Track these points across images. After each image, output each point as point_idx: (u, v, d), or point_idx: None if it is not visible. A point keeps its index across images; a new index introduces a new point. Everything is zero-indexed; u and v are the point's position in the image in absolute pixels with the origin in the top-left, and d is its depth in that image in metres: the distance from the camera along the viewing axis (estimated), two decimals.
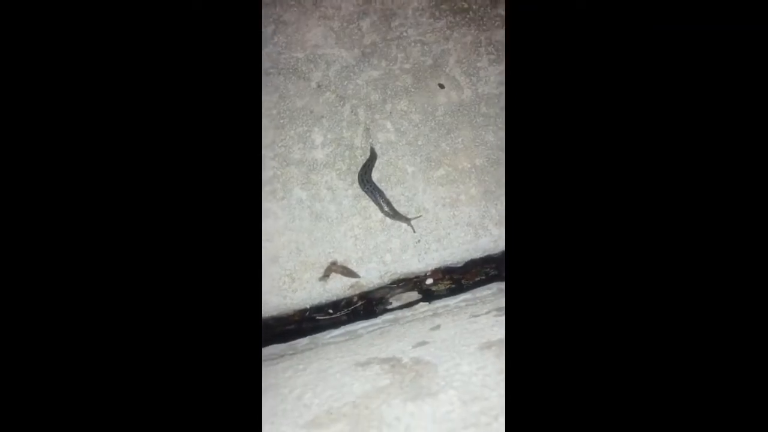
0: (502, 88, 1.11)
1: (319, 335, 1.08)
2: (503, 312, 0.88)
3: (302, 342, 1.06)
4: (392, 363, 0.79)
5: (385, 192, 1.06)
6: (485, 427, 0.51)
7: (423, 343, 0.84)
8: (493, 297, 1.03)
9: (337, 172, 1.08)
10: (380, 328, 1.03)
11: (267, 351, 1.03)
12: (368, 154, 1.08)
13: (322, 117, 1.10)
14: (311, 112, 1.10)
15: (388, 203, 1.05)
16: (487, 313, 0.92)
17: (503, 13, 1.13)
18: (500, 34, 1.13)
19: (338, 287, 1.08)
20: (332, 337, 1.06)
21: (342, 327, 1.07)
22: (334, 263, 1.08)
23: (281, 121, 1.09)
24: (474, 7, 1.13)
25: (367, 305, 1.10)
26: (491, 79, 1.11)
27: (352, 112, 1.10)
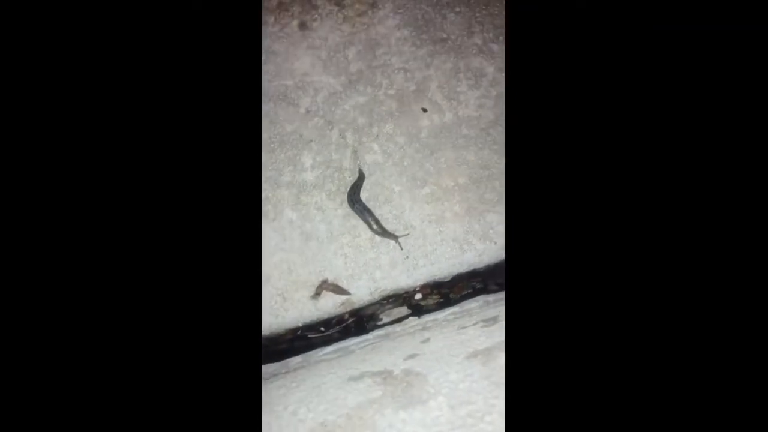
0: (482, 111, 1.18)
1: (311, 353, 1.09)
2: (489, 322, 0.91)
3: (295, 360, 1.07)
4: (384, 375, 0.81)
5: (373, 211, 1.10)
6: (471, 427, 0.53)
7: (413, 356, 0.87)
8: (479, 309, 1.06)
9: (327, 193, 1.12)
10: (371, 343, 1.05)
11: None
12: (356, 175, 1.13)
13: (311, 141, 1.15)
14: (301, 136, 1.15)
15: (377, 221, 1.09)
16: (474, 324, 0.95)
17: (479, 42, 1.21)
18: (477, 61, 1.20)
19: (329, 305, 1.11)
20: (325, 354, 1.07)
21: (334, 344, 1.09)
22: (325, 281, 1.10)
23: (272, 145, 1.14)
24: (452, 36, 1.21)
25: (358, 322, 1.13)
26: (470, 102, 1.18)
27: (340, 135, 1.16)
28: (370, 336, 1.08)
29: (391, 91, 1.18)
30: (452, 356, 0.80)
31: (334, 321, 1.13)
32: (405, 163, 1.14)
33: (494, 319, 0.94)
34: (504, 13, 1.22)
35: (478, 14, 1.22)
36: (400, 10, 1.22)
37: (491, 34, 1.21)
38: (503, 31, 1.22)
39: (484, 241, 1.11)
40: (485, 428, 0.53)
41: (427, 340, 0.95)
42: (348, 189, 1.12)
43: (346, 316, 1.13)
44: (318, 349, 1.09)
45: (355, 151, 1.15)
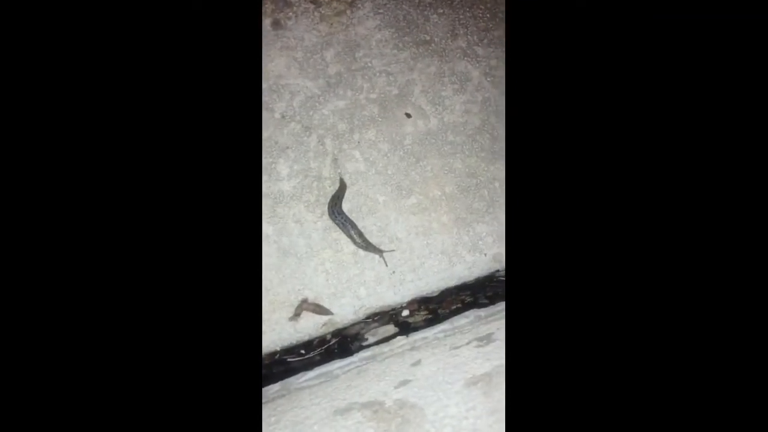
0: (468, 117, 1.13)
1: (291, 379, 1.00)
2: (484, 342, 0.86)
3: (273, 389, 0.98)
4: (374, 408, 0.74)
5: (356, 223, 1.02)
6: None
7: (405, 382, 0.80)
8: (470, 326, 1.00)
9: (306, 204, 1.04)
10: (357, 366, 0.97)
11: None
12: (337, 184, 1.05)
13: (288, 148, 1.06)
14: (276, 143, 1.06)
15: (360, 234, 1.02)
16: (467, 344, 0.89)
17: (464, 45, 1.17)
18: (462, 65, 1.15)
19: (310, 326, 1.02)
20: (306, 380, 0.99)
21: (316, 368, 1.01)
22: (304, 301, 1.02)
23: None
24: (435, 39, 1.16)
25: (341, 343, 1.05)
26: (456, 108, 1.13)
27: (319, 142, 1.08)
28: (355, 358, 1.01)
29: (373, 95, 1.11)
30: (449, 384, 0.73)
31: (315, 342, 1.05)
32: (389, 172, 1.08)
33: (488, 338, 0.88)
34: (488, 16, 1.18)
35: (461, 16, 1.18)
36: (381, 11, 1.16)
37: (475, 37, 1.17)
38: (487, 34, 1.18)
39: (474, 253, 1.06)
40: None
41: (418, 362, 0.88)
42: (329, 200, 1.04)
43: (329, 336, 1.05)
44: (299, 375, 1.01)
45: (335, 159, 1.07)
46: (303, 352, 1.05)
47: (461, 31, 1.17)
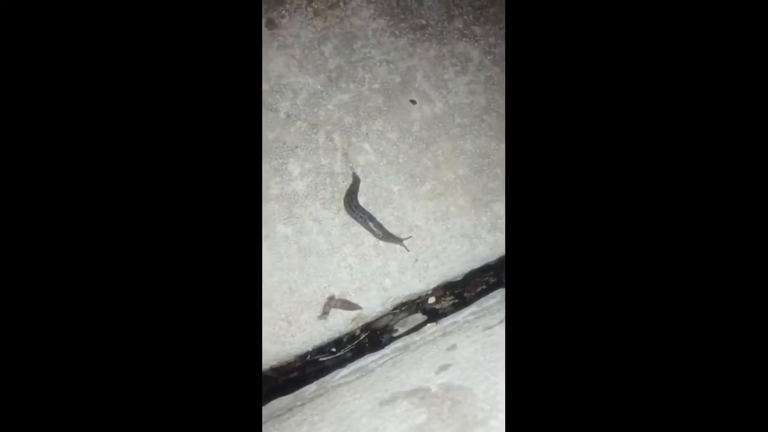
0: (473, 97, 1.12)
1: (326, 378, 1.00)
2: None
3: (310, 389, 0.98)
4: (420, 395, 0.73)
5: (374, 215, 1.02)
6: None
7: (445, 367, 0.79)
8: (499, 305, 1.00)
9: (321, 201, 1.03)
10: (391, 358, 0.97)
11: (271, 407, 0.93)
12: (350, 179, 1.04)
13: (297, 147, 1.05)
14: (284, 143, 1.05)
15: (379, 226, 1.01)
16: (500, 323, 0.89)
17: (460, 26, 1.15)
18: (461, 46, 1.15)
19: (339, 323, 1.02)
20: (342, 377, 0.98)
21: (349, 365, 1.00)
22: (332, 298, 1.01)
23: None
24: (431, 22, 1.15)
25: (371, 337, 1.04)
26: (460, 89, 1.12)
27: (327, 138, 1.07)
28: (387, 350, 1.00)
29: (376, 86, 1.10)
30: (491, 362, 0.73)
31: (345, 339, 1.04)
32: (400, 161, 1.07)
33: None
34: None
35: None
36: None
37: (471, 17, 1.16)
38: (483, 12, 1.17)
39: (494, 233, 1.05)
40: None
41: (454, 346, 0.88)
42: (344, 195, 1.03)
43: (358, 331, 1.04)
44: (333, 373, 1.00)
45: (345, 154, 1.06)
46: (334, 350, 1.04)
47: (456, 12, 1.16)
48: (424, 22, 1.15)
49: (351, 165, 1.06)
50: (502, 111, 1.11)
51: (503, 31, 1.14)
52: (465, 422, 0.58)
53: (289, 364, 1.02)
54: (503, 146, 1.10)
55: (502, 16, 1.15)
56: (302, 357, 1.03)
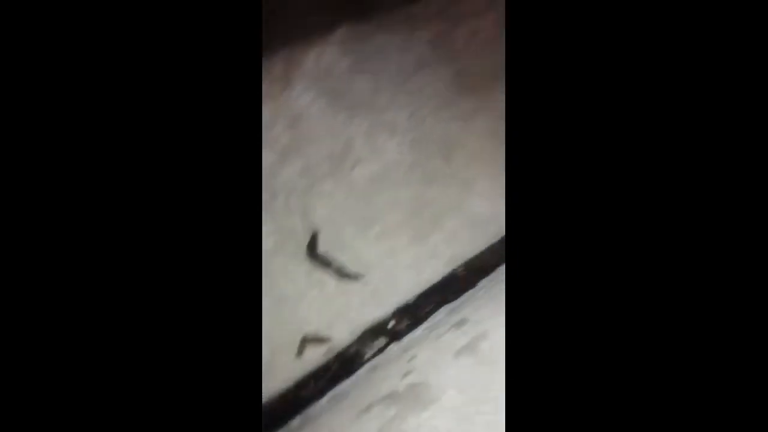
0: (401, 156, 1.39)
1: (308, 410, 1.13)
2: (460, 324, 1.07)
3: (294, 423, 1.11)
4: (391, 398, 0.91)
5: (333, 260, 1.22)
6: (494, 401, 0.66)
7: (408, 372, 0.98)
8: (446, 317, 1.22)
9: (287, 256, 1.21)
10: (364, 379, 1.13)
11: None
12: (310, 233, 1.24)
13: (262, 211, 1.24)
14: None
15: (339, 268, 1.21)
16: (448, 330, 1.10)
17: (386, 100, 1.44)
18: (390, 115, 1.43)
19: (314, 358, 1.17)
20: (321, 406, 1.12)
21: (328, 393, 1.15)
22: (305, 338, 1.17)
23: None
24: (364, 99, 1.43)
25: (344, 365, 1.20)
26: (393, 149, 1.39)
27: (284, 203, 1.27)
28: (359, 373, 1.17)
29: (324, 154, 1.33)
30: (442, 359, 0.93)
31: (321, 371, 1.19)
32: (352, 212, 1.29)
33: (463, 321, 1.10)
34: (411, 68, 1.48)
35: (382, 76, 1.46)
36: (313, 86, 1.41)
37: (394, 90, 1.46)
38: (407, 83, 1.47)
39: (434, 259, 1.29)
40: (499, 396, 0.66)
41: (414, 356, 1.07)
42: (305, 248, 1.22)
43: (331, 361, 1.20)
44: (314, 404, 1.14)
45: (303, 214, 1.27)
46: (312, 383, 1.19)
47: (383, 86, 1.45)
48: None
49: (309, 221, 1.26)
50: (429, 165, 1.39)
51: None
52: (423, 403, 0.77)
53: (273, 402, 1.14)
54: (432, 189, 1.36)
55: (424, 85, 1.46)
56: (284, 395, 1.16)
